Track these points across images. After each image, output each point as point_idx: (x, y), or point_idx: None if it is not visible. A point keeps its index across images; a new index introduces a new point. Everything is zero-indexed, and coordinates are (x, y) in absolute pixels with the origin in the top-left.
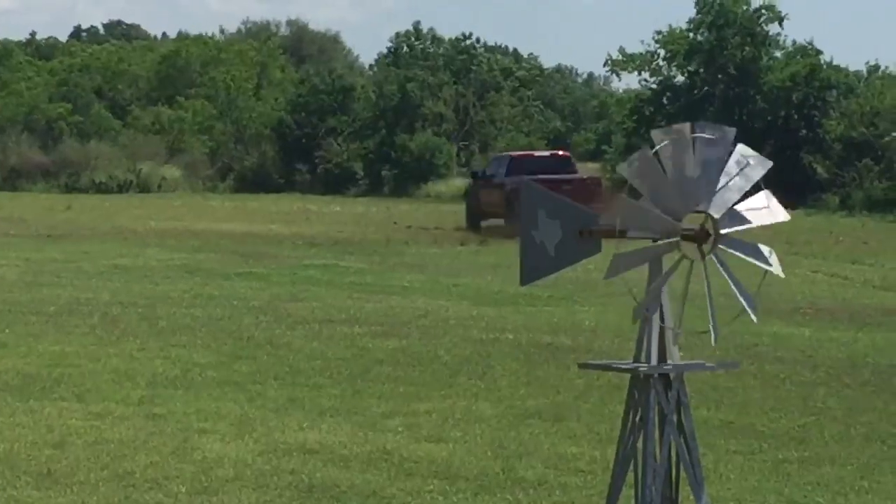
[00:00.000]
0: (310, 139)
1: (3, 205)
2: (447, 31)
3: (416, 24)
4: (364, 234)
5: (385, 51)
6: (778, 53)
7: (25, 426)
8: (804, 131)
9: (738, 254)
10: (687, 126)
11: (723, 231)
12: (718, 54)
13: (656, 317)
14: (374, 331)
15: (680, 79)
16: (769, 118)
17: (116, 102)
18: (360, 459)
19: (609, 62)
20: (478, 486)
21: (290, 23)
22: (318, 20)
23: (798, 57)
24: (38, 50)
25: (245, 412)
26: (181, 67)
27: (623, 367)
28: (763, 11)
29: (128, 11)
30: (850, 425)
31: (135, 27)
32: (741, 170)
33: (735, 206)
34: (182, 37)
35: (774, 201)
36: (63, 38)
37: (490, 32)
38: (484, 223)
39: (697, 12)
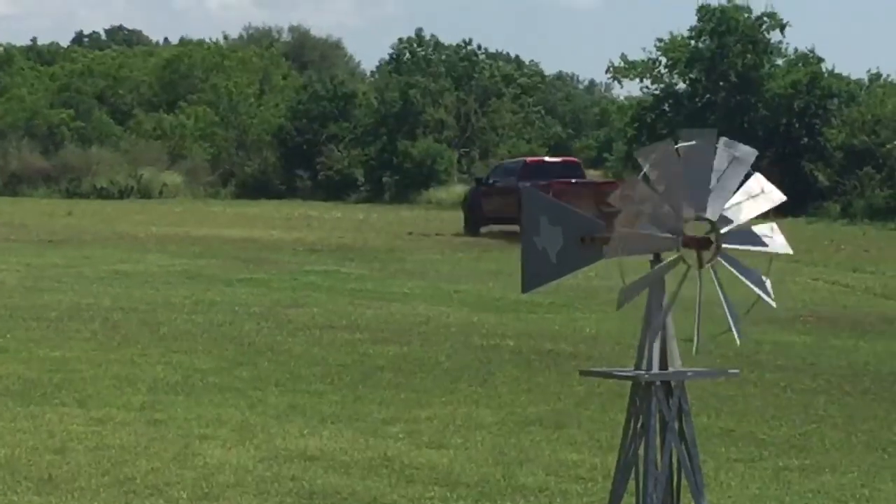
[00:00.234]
0: (311, 145)
1: (4, 210)
2: (449, 38)
3: (419, 31)
4: (365, 240)
5: (387, 57)
6: (779, 61)
7: (26, 431)
8: (805, 139)
9: (741, 247)
10: (668, 141)
11: (723, 230)
12: (720, 62)
13: (658, 324)
14: (375, 337)
15: (681, 86)
16: (770, 126)
17: (118, 108)
18: (361, 466)
19: (611, 69)
20: (479, 493)
21: (291, 29)
22: (320, 26)
23: (799, 65)
24: (40, 55)
25: (246, 418)
26: (183, 73)
27: (624, 374)
28: (765, 19)
29: (129, 17)
30: (850, 433)
31: (136, 33)
32: (728, 164)
33: (731, 201)
34: (184, 42)
35: (767, 183)
36: (65, 43)
37: (492, 39)
38: (483, 229)
39: (699, 20)
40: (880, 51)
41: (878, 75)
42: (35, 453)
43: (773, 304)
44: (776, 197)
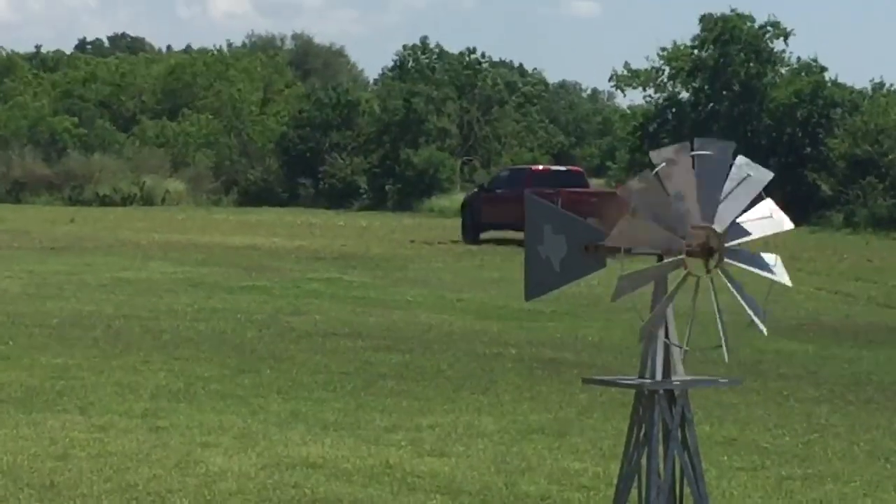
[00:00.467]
0: (314, 153)
1: (7, 217)
2: (452, 46)
3: (424, 39)
4: (367, 248)
5: (390, 65)
6: (783, 70)
7: (28, 438)
8: (808, 148)
9: (743, 266)
10: (686, 144)
11: (728, 244)
12: (723, 71)
13: (661, 332)
14: (378, 345)
15: (684, 95)
16: (774, 135)
17: (121, 115)
18: (363, 474)
19: (614, 78)
20: (480, 502)
21: (295, 37)
22: (323, 34)
23: (803, 74)
24: (43, 63)
25: (248, 426)
26: (186, 81)
27: (628, 382)
28: (768, 28)
29: (132, 25)
30: (853, 442)
31: (139, 40)
32: (741, 181)
33: (738, 219)
34: (188, 50)
35: (778, 210)
36: (68, 50)
37: (495, 47)
38: (483, 235)
39: (702, 29)
40: (883, 60)
41: (882, 85)
42: (37, 460)
43: (765, 330)
44: (785, 224)
